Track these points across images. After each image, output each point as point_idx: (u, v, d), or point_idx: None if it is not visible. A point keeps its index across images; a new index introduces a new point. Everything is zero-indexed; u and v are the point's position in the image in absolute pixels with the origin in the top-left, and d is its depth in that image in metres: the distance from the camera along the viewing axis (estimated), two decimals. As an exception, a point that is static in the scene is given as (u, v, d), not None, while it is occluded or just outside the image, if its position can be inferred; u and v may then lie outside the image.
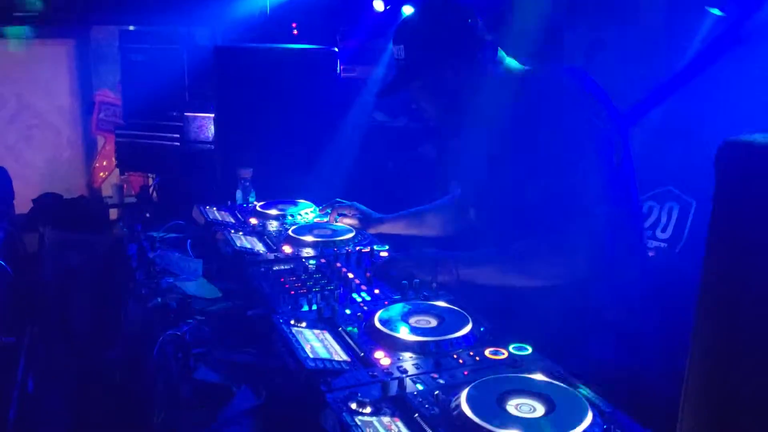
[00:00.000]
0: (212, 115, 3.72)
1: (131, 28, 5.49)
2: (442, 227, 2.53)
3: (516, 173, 1.95)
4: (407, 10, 3.80)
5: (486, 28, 2.02)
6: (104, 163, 6.02)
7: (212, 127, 3.84)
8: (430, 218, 2.55)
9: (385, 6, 3.95)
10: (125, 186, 5.73)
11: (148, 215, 4.75)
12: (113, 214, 5.58)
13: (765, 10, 2.39)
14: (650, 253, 2.76)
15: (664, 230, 2.72)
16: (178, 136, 4.30)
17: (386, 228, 2.56)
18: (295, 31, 4.66)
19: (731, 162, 0.68)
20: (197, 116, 4.20)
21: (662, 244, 2.73)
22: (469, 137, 2.22)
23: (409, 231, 2.58)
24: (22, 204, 4.95)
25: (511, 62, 2.06)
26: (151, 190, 4.70)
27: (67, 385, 2.91)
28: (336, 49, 3.32)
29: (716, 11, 2.55)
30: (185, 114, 4.24)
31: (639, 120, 2.78)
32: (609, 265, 1.82)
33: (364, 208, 2.59)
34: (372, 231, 2.53)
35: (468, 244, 2.32)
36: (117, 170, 5.31)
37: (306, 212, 2.68)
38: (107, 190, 5.94)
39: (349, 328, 1.65)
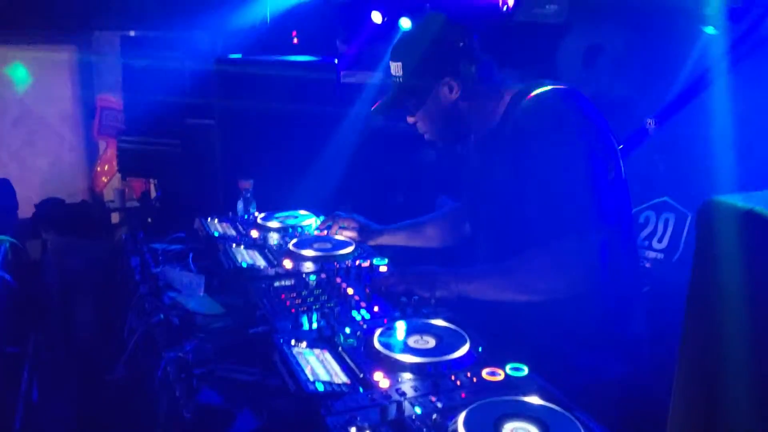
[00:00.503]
0: (213, 122, 3.75)
1: (132, 33, 5.51)
2: (441, 238, 2.57)
3: (511, 189, 1.99)
4: (405, 22, 3.82)
5: (482, 46, 2.05)
6: (106, 167, 6.04)
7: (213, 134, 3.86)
8: (429, 229, 2.59)
9: (383, 18, 3.98)
10: (127, 190, 5.76)
11: (150, 220, 4.79)
12: (115, 218, 5.60)
13: (760, 29, 2.42)
14: (647, 264, 2.79)
15: (660, 241, 2.75)
16: (179, 142, 4.32)
17: (386, 239, 2.60)
18: (295, 40, 4.68)
19: (712, 221, 0.70)
20: (198, 122, 4.22)
21: (659, 255, 2.76)
22: (465, 153, 2.26)
23: (408, 242, 2.61)
24: (25, 209, 4.98)
25: (507, 80, 2.10)
26: (154, 201, 4.73)
27: (72, 395, 2.94)
28: (336, 60, 3.34)
29: (711, 30, 2.57)
30: (186, 120, 4.27)
31: (642, 142, 2.79)
32: (605, 278, 1.86)
33: (363, 219, 2.62)
34: (372, 243, 2.56)
35: (465, 257, 2.36)
36: (119, 175, 5.34)
37: (309, 222, 2.70)
38: (109, 195, 5.96)
39: (349, 346, 1.68)
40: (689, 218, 2.65)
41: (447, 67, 2.01)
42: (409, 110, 2.12)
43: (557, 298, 1.88)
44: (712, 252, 0.67)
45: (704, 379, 0.67)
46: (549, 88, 1.99)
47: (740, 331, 0.62)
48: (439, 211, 2.61)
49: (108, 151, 6.02)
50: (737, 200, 0.69)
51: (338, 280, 2.13)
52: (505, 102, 2.05)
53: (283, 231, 2.62)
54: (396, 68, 2.07)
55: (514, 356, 1.60)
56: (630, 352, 2.02)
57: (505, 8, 3.22)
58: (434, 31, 2.03)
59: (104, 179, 6.09)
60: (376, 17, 4.03)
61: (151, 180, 5.25)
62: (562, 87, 1.99)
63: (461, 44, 2.01)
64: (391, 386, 1.50)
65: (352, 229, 2.59)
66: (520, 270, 1.93)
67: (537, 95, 1.98)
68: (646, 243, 2.79)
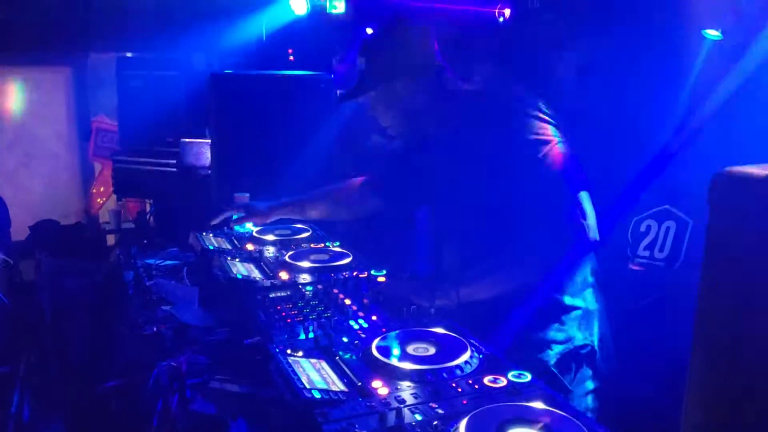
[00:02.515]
0: (209, 141, 3.73)
1: (129, 54, 5.51)
2: (337, 214, 2.71)
3: (473, 179, 2.09)
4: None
5: (442, 47, 2.19)
6: (101, 189, 6.01)
7: (209, 153, 3.84)
8: (321, 206, 2.71)
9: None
10: (122, 211, 5.72)
11: (145, 242, 4.74)
12: (110, 239, 5.56)
13: (764, 33, 2.40)
14: (636, 267, 2.78)
15: (661, 249, 2.72)
16: (174, 161, 4.29)
17: (277, 215, 2.72)
18: (291, 57, 4.68)
19: (725, 192, 0.67)
20: (194, 142, 4.20)
21: (660, 264, 2.72)
22: (425, 144, 2.31)
23: (302, 217, 2.73)
24: (20, 231, 4.93)
25: (465, 77, 2.20)
26: (148, 216, 4.69)
27: (64, 415, 2.88)
28: (332, 76, 3.33)
29: (711, 36, 2.55)
30: (182, 140, 4.24)
31: (658, 176, 2.77)
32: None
33: (249, 203, 2.77)
34: (260, 221, 2.70)
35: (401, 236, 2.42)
36: (114, 196, 5.30)
37: (305, 235, 2.68)
38: (104, 216, 5.92)
39: (347, 356, 1.64)
40: (690, 225, 2.62)
41: (408, 66, 2.15)
42: (370, 101, 2.24)
43: (551, 263, 1.97)
44: (728, 221, 0.63)
45: (725, 349, 0.63)
46: (505, 85, 2.14)
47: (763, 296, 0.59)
48: (332, 186, 2.73)
49: (103, 172, 6.00)
50: (752, 169, 0.66)
51: (335, 290, 2.09)
52: (461, 99, 2.16)
53: (279, 244, 2.58)
54: (361, 62, 2.22)
55: (515, 367, 1.57)
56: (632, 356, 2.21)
57: (501, 19, 3.22)
58: (399, 33, 2.19)
59: (100, 201, 6.06)
60: (371, 32, 4.03)
61: (147, 200, 5.21)
62: (518, 83, 2.14)
63: (422, 47, 2.15)
64: (390, 394, 1.45)
65: (240, 217, 2.71)
66: (515, 248, 1.98)
67: (494, 93, 2.13)
68: (647, 253, 2.76)
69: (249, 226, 2.72)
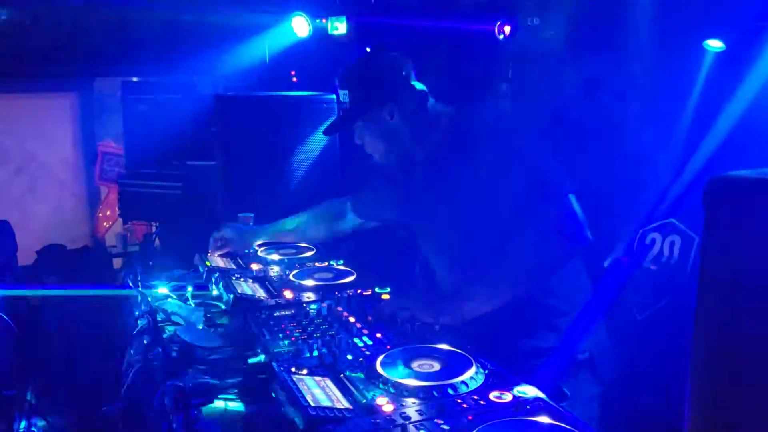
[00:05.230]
0: (214, 163, 3.74)
1: (134, 79, 5.56)
2: (323, 237, 2.74)
3: (455, 198, 2.13)
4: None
5: (418, 74, 2.27)
6: (108, 212, 6.04)
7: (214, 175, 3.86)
8: (310, 229, 2.73)
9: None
10: (129, 235, 5.74)
11: (151, 263, 4.75)
12: (117, 263, 5.58)
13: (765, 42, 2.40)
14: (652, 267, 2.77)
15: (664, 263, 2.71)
16: (180, 184, 4.31)
17: (260, 240, 2.73)
18: (294, 78, 4.72)
19: (722, 195, 0.68)
20: (199, 164, 4.22)
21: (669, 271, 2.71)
22: (410, 166, 2.34)
23: (281, 238, 2.75)
24: (27, 256, 4.95)
25: (440, 104, 2.28)
26: (154, 238, 4.70)
27: (70, 438, 2.88)
28: (334, 97, 3.34)
29: (713, 47, 2.55)
30: (187, 162, 4.27)
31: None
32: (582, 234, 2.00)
33: (236, 225, 2.78)
34: (246, 246, 2.69)
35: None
36: (120, 219, 5.32)
37: (309, 254, 2.68)
38: (111, 240, 5.95)
39: (351, 374, 1.64)
40: (696, 242, 2.60)
41: (388, 94, 2.20)
42: (356, 131, 2.28)
43: (546, 266, 2.02)
44: (724, 224, 0.64)
45: (724, 354, 0.63)
46: (481, 106, 2.22)
47: (759, 301, 0.59)
48: (315, 210, 2.75)
49: (109, 196, 6.03)
50: (745, 173, 0.66)
51: (339, 308, 2.09)
52: (443, 123, 2.22)
53: (284, 263, 2.59)
54: (344, 95, 2.25)
55: (520, 382, 1.56)
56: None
57: (501, 36, 3.24)
58: (376, 64, 2.25)
59: (106, 224, 6.08)
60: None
61: (153, 223, 5.23)
62: (489, 105, 2.25)
63: (400, 74, 2.22)
64: (395, 410, 1.45)
65: (225, 240, 2.67)
66: (512, 259, 1.99)
67: (472, 113, 2.20)
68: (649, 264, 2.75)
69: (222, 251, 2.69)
